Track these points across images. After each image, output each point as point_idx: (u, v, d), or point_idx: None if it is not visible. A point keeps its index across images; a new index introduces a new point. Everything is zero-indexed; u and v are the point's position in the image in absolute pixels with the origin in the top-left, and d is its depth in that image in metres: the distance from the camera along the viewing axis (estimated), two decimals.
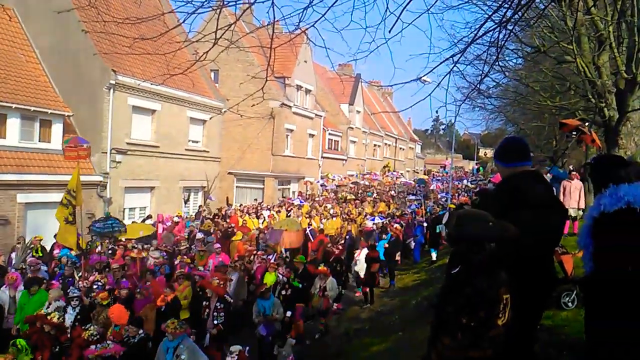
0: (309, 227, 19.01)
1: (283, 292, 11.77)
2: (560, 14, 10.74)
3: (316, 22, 3.96)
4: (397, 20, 3.53)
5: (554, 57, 12.11)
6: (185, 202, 24.18)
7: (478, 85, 8.03)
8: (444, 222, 3.53)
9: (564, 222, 3.49)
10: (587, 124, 10.08)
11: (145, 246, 14.61)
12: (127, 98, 20.33)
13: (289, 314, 10.87)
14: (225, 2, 4.05)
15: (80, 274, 11.76)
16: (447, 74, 4.23)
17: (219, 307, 9.68)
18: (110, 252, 14.10)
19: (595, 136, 9.67)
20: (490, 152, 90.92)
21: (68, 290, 9.67)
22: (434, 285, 13.61)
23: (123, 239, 14.81)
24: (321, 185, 32.11)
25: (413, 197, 29.85)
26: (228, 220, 19.95)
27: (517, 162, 3.49)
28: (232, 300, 10.13)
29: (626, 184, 3.27)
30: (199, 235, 16.05)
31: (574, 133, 9.22)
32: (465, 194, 31.68)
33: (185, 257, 13.31)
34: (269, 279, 12.17)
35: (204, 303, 9.96)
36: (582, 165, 16.26)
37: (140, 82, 17.32)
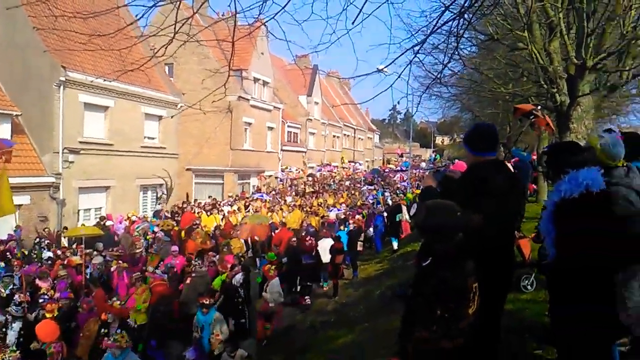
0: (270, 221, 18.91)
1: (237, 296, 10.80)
2: (512, 1, 10.94)
3: (276, 14, 3.87)
4: (360, 12, 3.48)
5: (507, 45, 12.34)
6: (158, 199, 23.69)
7: (439, 75, 8.06)
8: (411, 213, 3.52)
9: (523, 205, 3.56)
10: (539, 107, 10.28)
11: (88, 251, 14.01)
12: (78, 95, 19.65)
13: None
14: None
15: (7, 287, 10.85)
16: (407, 65, 4.22)
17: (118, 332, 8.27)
18: (49, 261, 13.43)
19: (549, 120, 9.91)
20: (446, 140, 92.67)
21: (9, 308, 9.04)
22: (396, 275, 13.78)
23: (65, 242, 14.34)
24: (280, 180, 31.93)
25: (371, 187, 30.14)
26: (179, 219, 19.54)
27: (485, 152, 3.52)
28: (135, 326, 8.89)
29: (584, 169, 3.33)
30: (160, 235, 15.68)
31: (531, 117, 9.38)
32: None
33: (120, 262, 12.66)
34: (218, 283, 11.42)
35: (102, 330, 8.76)
36: (541, 152, 16.70)
37: (93, 78, 16.70)
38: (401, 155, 62.73)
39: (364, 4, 3.53)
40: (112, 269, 12.35)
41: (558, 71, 10.86)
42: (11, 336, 8.54)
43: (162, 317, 9.54)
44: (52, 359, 8.01)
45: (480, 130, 3.68)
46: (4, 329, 8.58)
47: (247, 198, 25.73)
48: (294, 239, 14.95)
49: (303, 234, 16.14)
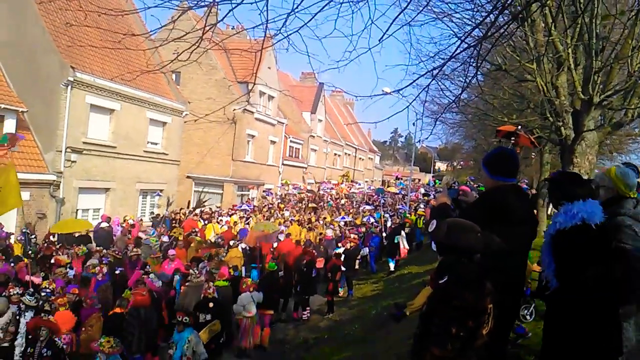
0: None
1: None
2: (523, 34, 11.09)
3: (299, 28, 3.95)
4: (384, 33, 3.56)
5: (515, 76, 12.48)
6: (168, 204, 23.76)
7: (456, 101, 8.15)
8: (429, 230, 3.53)
9: (535, 234, 3.59)
10: (520, 127, 10.23)
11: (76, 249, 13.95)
12: (85, 96, 19.74)
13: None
14: (214, 1, 3.99)
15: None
16: (424, 89, 4.28)
17: (44, 355, 7.46)
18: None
19: (532, 138, 9.96)
20: (446, 166, 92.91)
21: (23, 297, 9.09)
22: (393, 296, 13.74)
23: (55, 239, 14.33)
24: (268, 194, 31.73)
25: (369, 207, 30.12)
26: (181, 226, 19.54)
27: (505, 177, 3.53)
28: (64, 346, 8.19)
29: (580, 201, 3.38)
30: (165, 239, 15.69)
31: (512, 137, 9.40)
32: (424, 205, 32.22)
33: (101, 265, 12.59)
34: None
35: (29, 349, 7.71)
36: (539, 182, 16.82)
37: (100, 79, 16.82)
38: (397, 178, 62.91)
39: (390, 26, 3.61)
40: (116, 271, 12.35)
41: (564, 105, 10.97)
42: (23, 324, 8.55)
43: (143, 323, 9.55)
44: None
45: (503, 155, 3.67)
46: (17, 318, 8.58)
47: (231, 209, 25.79)
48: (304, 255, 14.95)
49: (310, 248, 16.25)
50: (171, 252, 13.77)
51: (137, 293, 9.82)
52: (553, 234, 3.44)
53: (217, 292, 11.21)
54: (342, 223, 19.65)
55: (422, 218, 23.62)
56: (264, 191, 31.31)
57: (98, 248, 14.92)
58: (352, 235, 18.30)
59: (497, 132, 10.13)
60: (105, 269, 12.00)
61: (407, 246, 19.21)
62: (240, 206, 26.54)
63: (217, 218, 22.63)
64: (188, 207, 25.18)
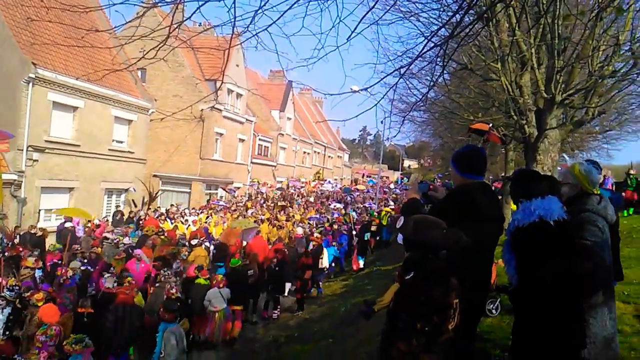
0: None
1: None
2: (487, 33, 11.31)
3: (268, 26, 3.93)
4: (353, 32, 3.57)
5: (480, 75, 12.71)
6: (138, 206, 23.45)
7: (423, 99, 8.24)
8: (397, 226, 3.55)
9: (502, 231, 3.66)
10: (491, 125, 10.44)
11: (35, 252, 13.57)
12: (47, 93, 19.22)
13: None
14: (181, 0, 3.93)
15: None
16: (392, 87, 4.32)
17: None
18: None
19: (502, 136, 10.18)
20: (414, 164, 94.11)
21: (3, 293, 8.98)
22: (362, 293, 13.83)
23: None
24: (229, 192, 31.42)
25: (339, 205, 30.23)
26: (142, 223, 19.37)
27: (474, 174, 3.57)
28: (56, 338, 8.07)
29: (539, 199, 3.46)
30: (127, 240, 15.39)
31: (484, 134, 9.59)
32: (393, 203, 32.52)
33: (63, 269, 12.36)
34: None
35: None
36: (500, 178, 17.17)
37: (64, 77, 16.40)
38: (366, 176, 63.30)
39: (357, 25, 3.63)
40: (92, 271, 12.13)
41: (528, 104, 11.25)
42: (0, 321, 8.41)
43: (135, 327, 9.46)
44: (51, 340, 7.95)
45: (472, 153, 3.70)
46: None
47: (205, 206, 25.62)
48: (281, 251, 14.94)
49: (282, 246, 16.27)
50: (137, 251, 13.53)
51: (121, 291, 9.74)
52: (512, 230, 3.51)
53: (194, 291, 11.41)
54: (300, 230, 19.79)
55: (388, 215, 23.87)
56: (228, 189, 30.93)
57: (77, 247, 14.57)
58: (316, 234, 18.29)
59: (469, 129, 10.31)
60: (70, 272, 11.72)
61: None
62: (218, 202, 26.35)
63: (183, 217, 22.37)
64: (152, 197, 24.90)
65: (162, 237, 16.48)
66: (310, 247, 15.79)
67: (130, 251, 14.16)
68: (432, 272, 2.73)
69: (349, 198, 30.34)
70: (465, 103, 14.95)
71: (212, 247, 17.52)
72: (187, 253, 14.58)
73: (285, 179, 42.56)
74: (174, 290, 10.64)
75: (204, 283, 11.80)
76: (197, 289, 11.65)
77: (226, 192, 31.10)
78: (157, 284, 11.63)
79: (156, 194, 26.89)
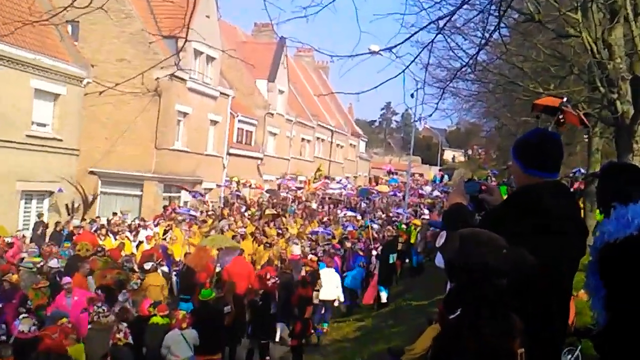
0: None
1: None
2: None
3: None
4: None
5: (552, 30, 12.68)
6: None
7: (473, 62, 8.20)
8: (438, 244, 3.50)
9: (584, 249, 3.63)
10: (565, 99, 10.29)
11: None
12: None
13: None
14: None
15: None
16: (428, 45, 4.29)
17: None
18: None
19: (582, 115, 10.12)
20: (459, 155, 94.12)
21: None
22: (385, 338, 13.82)
23: None
24: (193, 195, 31.42)
25: (352, 214, 30.32)
26: (73, 239, 19.47)
27: (543, 171, 3.51)
28: None
29: (638, 203, 3.42)
30: (53, 264, 15.42)
31: (558, 113, 9.46)
32: (427, 211, 32.54)
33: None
34: None
35: None
36: (582, 175, 17.15)
37: None
38: (390, 173, 63.18)
39: None
40: None
41: (620, 70, 11.21)
42: None
43: None
44: None
45: (541, 140, 3.61)
46: None
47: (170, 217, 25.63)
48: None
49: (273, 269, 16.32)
50: (65, 280, 13.55)
51: (47, 335, 9.77)
52: (600, 248, 3.48)
53: (150, 335, 11.52)
54: (296, 250, 19.85)
55: (418, 230, 23.91)
56: (192, 191, 30.78)
57: None
58: (310, 257, 18.29)
59: (534, 106, 10.29)
60: None
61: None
62: (183, 210, 26.28)
63: (132, 232, 22.40)
64: (86, 202, 24.94)
65: (103, 257, 16.52)
66: (270, 284, 15.67)
67: (58, 279, 14.21)
68: (487, 310, 2.71)
69: (365, 204, 30.37)
70: (531, 69, 14.92)
71: (173, 274, 17.57)
72: (139, 281, 14.63)
73: (276, 178, 42.58)
74: (121, 335, 10.66)
75: (162, 322, 11.81)
76: (153, 331, 11.68)
77: (190, 195, 31.05)
78: (89, 326, 11.66)
79: (93, 198, 26.95)
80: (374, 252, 20.00)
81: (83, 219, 24.43)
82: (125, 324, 11.31)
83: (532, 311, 2.99)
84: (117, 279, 14.33)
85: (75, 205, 24.06)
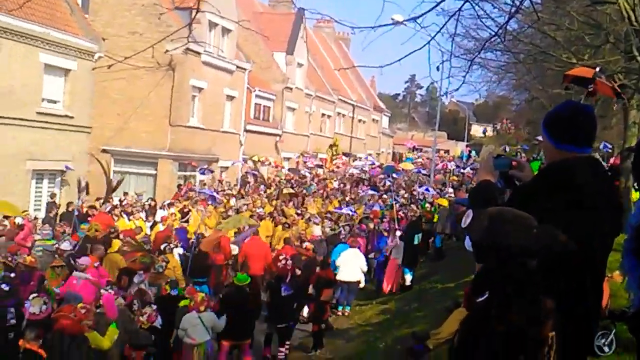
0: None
1: None
2: None
3: None
4: None
5: None
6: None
7: (502, 32, 8.10)
8: (464, 224, 3.46)
9: (620, 228, 3.60)
10: (598, 69, 10.09)
11: None
12: None
13: None
14: None
15: None
16: (455, 14, 4.23)
17: None
18: None
19: (615, 86, 9.95)
20: (487, 131, 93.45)
21: None
22: (410, 322, 13.83)
23: None
24: (200, 172, 31.27)
25: (373, 192, 30.28)
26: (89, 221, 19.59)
27: (576, 145, 3.48)
28: None
29: None
30: (65, 246, 15.55)
31: (589, 85, 9.31)
32: (452, 190, 32.40)
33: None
34: None
35: None
36: (621, 151, 16.94)
37: None
38: (414, 149, 62.92)
39: None
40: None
41: None
42: None
43: None
44: None
45: (573, 113, 3.58)
46: None
47: (186, 197, 25.71)
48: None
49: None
50: (84, 260, 13.67)
51: (63, 315, 9.83)
52: (636, 226, 3.45)
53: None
54: (317, 230, 19.88)
55: (439, 209, 23.89)
56: (200, 168, 30.60)
57: None
58: (306, 244, 18.24)
59: (565, 77, 10.16)
60: None
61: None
62: (201, 190, 26.24)
63: (147, 212, 22.56)
64: (87, 189, 24.97)
65: (128, 239, 16.63)
66: (281, 265, 15.69)
67: (73, 262, 14.34)
68: (517, 292, 2.69)
69: (388, 182, 30.24)
70: (564, 38, 14.77)
71: (189, 257, 17.71)
72: (164, 264, 14.77)
73: (296, 155, 42.62)
74: (144, 318, 10.74)
75: (184, 303, 12.08)
76: (184, 313, 11.88)
77: (198, 171, 30.95)
78: (98, 310, 11.74)
79: (119, 181, 26.81)
80: (398, 233, 19.90)
81: (106, 201, 24.22)
82: (154, 306, 11.37)
83: (564, 288, 2.97)
84: (145, 262, 14.46)
85: (82, 184, 24.06)
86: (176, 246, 17.64)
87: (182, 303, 12.16)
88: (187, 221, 21.67)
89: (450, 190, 32.10)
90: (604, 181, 3.49)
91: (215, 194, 25.11)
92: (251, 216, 21.09)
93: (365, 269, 17.81)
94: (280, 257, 14.95)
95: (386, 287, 18.65)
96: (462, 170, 41.20)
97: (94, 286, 12.79)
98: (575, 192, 3.25)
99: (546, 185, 3.37)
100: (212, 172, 31.38)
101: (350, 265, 17.13)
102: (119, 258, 15.43)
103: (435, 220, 23.16)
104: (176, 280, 14.01)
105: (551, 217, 2.99)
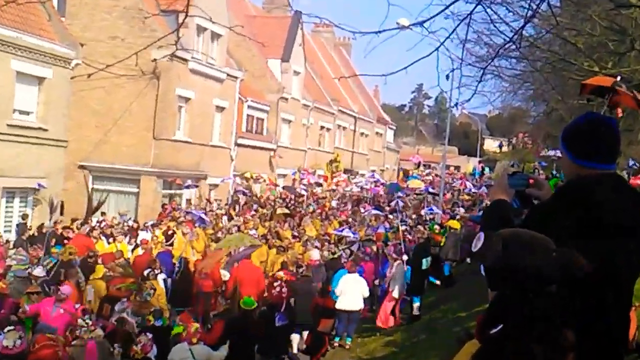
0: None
1: None
2: None
3: None
4: None
5: None
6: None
7: (518, 37, 8.13)
8: (474, 248, 3.43)
9: None
10: (619, 78, 10.17)
11: None
12: None
13: None
14: None
15: None
16: (466, 17, 4.26)
17: None
18: None
19: (638, 95, 9.99)
20: (499, 145, 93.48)
21: None
22: (417, 355, 13.80)
23: None
24: (186, 187, 31.26)
25: (378, 213, 30.27)
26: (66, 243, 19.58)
27: (597, 162, 3.49)
28: None
29: None
30: (38, 272, 15.53)
31: (609, 94, 9.31)
32: (462, 209, 32.40)
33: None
34: None
35: None
36: None
37: None
38: (419, 166, 62.86)
39: None
40: None
41: None
42: None
43: None
44: None
45: (593, 126, 3.57)
46: None
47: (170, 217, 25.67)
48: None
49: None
50: (66, 289, 13.63)
51: (43, 346, 9.85)
52: None
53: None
54: (315, 254, 19.81)
55: (448, 231, 23.87)
56: (185, 185, 30.57)
57: None
58: (280, 274, 18.14)
59: (583, 86, 10.22)
60: None
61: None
62: (198, 213, 26.22)
63: (127, 234, 22.51)
64: (61, 209, 24.90)
65: (113, 265, 16.62)
66: (275, 292, 15.66)
67: (47, 289, 14.32)
68: (534, 322, 2.70)
69: (398, 202, 30.25)
70: (586, 45, 14.82)
71: (169, 282, 17.67)
72: (152, 291, 14.76)
73: (292, 171, 42.60)
74: (138, 348, 10.74)
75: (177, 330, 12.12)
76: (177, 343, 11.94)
77: (183, 189, 30.89)
78: (73, 342, 11.69)
79: (101, 201, 26.82)
80: (405, 257, 19.88)
81: (84, 223, 24.10)
82: (149, 335, 11.41)
83: (583, 305, 2.98)
84: (129, 289, 14.45)
85: (55, 203, 23.96)
86: (160, 272, 17.62)
87: (175, 330, 12.15)
88: (171, 244, 21.59)
89: (462, 210, 32.10)
90: (628, 200, 3.49)
91: (203, 214, 25.12)
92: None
93: (367, 294, 17.68)
94: (275, 284, 14.94)
95: (379, 321, 18.44)
96: (472, 190, 41.10)
97: (69, 316, 12.78)
98: (595, 210, 3.26)
99: (564, 204, 3.38)
100: (196, 186, 31.31)
101: (351, 292, 16.94)
102: (102, 285, 15.44)
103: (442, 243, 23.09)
104: (160, 310, 13.98)
105: (569, 238, 3.01)
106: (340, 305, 16.70)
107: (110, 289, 14.95)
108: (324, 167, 47.40)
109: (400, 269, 18.77)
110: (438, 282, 19.07)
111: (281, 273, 16.49)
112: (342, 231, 24.82)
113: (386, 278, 19.48)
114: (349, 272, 17.53)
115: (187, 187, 30.62)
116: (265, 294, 16.53)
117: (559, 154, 5.52)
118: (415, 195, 40.04)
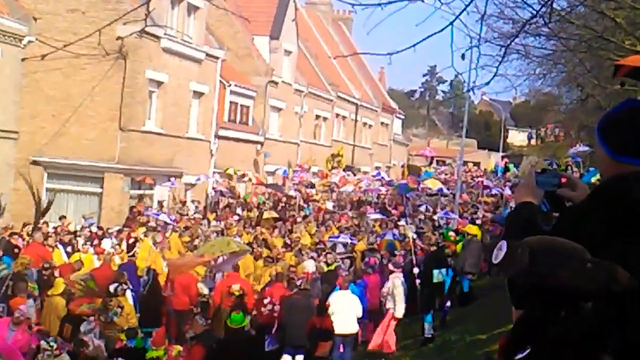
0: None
1: None
2: None
3: None
4: None
5: None
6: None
7: (546, 11, 8.12)
8: (495, 259, 3.41)
9: None
10: None
11: None
12: None
13: None
14: None
15: None
16: None
17: None
18: None
19: None
20: (525, 137, 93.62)
21: None
22: None
23: None
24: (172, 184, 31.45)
25: (378, 215, 30.35)
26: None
27: (638, 156, 3.47)
28: None
29: None
30: None
31: None
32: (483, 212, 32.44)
33: None
34: None
35: None
36: None
37: None
38: (431, 162, 62.85)
39: None
40: None
41: None
42: None
43: None
44: None
45: (634, 115, 3.57)
46: None
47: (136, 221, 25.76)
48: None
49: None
50: (22, 309, 13.63)
51: None
52: None
53: None
54: (310, 266, 19.82)
55: (466, 239, 23.91)
56: (164, 184, 30.71)
57: None
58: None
59: (618, 68, 10.21)
60: None
61: None
62: (157, 215, 26.36)
63: (87, 242, 22.52)
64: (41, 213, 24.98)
65: (77, 281, 16.64)
66: (265, 311, 15.70)
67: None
68: (567, 345, 2.70)
69: (406, 207, 30.33)
70: (627, 20, 14.85)
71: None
72: (119, 309, 14.79)
73: (283, 168, 42.62)
74: None
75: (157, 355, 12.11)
76: None
77: (146, 185, 30.98)
78: None
79: (49, 201, 26.86)
80: (415, 270, 19.88)
81: (35, 228, 24.07)
82: None
83: (623, 325, 2.98)
84: (95, 308, 14.47)
85: (2, 203, 23.92)
86: (128, 287, 17.64)
87: (150, 355, 12.16)
88: (133, 255, 21.53)
89: (480, 214, 32.10)
90: None
91: (167, 217, 25.18)
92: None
93: (360, 314, 17.43)
94: (265, 301, 14.92)
95: (372, 344, 18.31)
96: (494, 191, 41.13)
97: (28, 339, 12.81)
98: (633, 209, 3.26)
99: (601, 206, 3.38)
100: (172, 183, 31.41)
101: (343, 313, 16.69)
102: (62, 303, 15.43)
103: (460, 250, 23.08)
104: (135, 329, 14.02)
105: (606, 246, 3.01)
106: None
107: (73, 308, 14.94)
108: (324, 163, 47.37)
109: (399, 283, 18.64)
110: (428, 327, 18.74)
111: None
112: (338, 237, 24.79)
113: (381, 293, 19.28)
114: (340, 289, 17.37)
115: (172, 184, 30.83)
116: (254, 313, 16.53)
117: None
118: (427, 197, 40.09)
